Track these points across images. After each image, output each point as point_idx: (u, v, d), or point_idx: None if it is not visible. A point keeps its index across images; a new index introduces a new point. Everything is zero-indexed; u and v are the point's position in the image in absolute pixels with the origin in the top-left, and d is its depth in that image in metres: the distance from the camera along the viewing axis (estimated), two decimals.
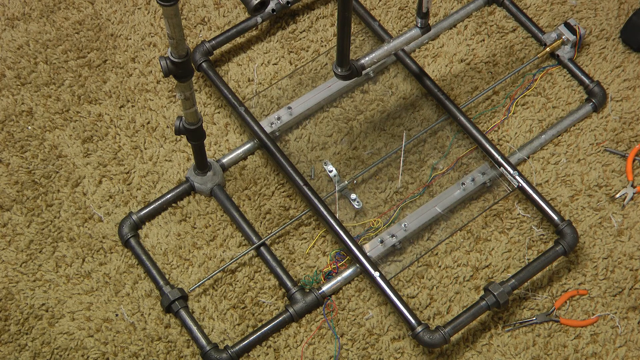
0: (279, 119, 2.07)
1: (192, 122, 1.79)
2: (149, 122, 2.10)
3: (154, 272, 1.91)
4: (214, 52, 2.15)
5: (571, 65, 2.15)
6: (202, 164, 1.96)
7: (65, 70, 2.16)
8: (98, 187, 2.03)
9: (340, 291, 1.92)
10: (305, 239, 1.98)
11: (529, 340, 1.87)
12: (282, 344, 1.87)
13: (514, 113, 2.12)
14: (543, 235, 1.97)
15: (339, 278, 1.92)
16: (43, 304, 1.91)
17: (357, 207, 1.98)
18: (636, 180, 2.05)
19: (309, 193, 1.95)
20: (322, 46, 2.20)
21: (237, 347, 1.84)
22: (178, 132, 1.82)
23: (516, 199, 2.02)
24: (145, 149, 2.07)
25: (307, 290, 1.90)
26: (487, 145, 2.01)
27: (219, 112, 2.12)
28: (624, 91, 2.14)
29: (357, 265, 1.91)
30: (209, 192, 2.01)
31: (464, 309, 1.86)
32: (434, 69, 2.18)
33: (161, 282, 1.90)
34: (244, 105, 2.06)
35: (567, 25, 2.15)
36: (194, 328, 1.86)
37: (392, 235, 1.94)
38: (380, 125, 2.10)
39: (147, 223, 1.99)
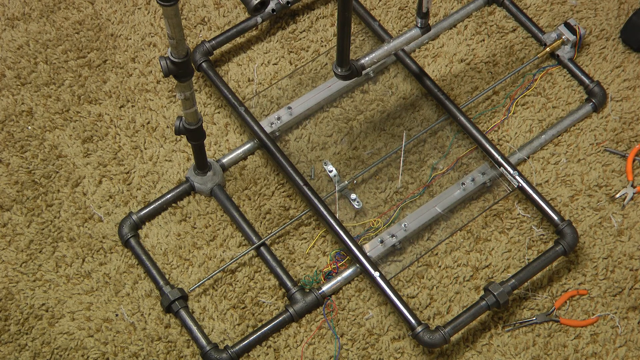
0: (279, 119, 2.07)
1: (192, 122, 1.79)
2: (149, 122, 2.10)
3: (154, 272, 1.91)
4: (214, 52, 2.15)
5: (571, 65, 2.15)
6: (202, 164, 1.96)
7: (65, 70, 2.16)
8: (98, 187, 2.03)
9: (340, 291, 1.92)
10: (305, 239, 1.98)
11: (529, 340, 1.87)
12: (282, 344, 1.87)
13: (514, 113, 2.12)
14: (543, 235, 1.97)
15: (339, 278, 1.92)
16: (43, 304, 1.91)
17: (357, 207, 1.98)
18: (636, 180, 2.05)
19: (309, 193, 1.95)
20: (322, 46, 2.20)
21: (237, 347, 1.84)
22: (178, 132, 1.82)
23: (516, 199, 2.01)
24: (145, 149, 2.07)
25: (307, 290, 1.90)
26: (487, 145, 2.01)
27: (219, 112, 2.12)
28: (624, 91, 2.14)
29: (357, 265, 1.91)
30: (209, 192, 2.01)
31: (464, 309, 1.86)
32: (434, 69, 2.17)
33: (161, 282, 1.90)
34: (244, 105, 2.06)
35: (567, 25, 2.15)
36: (194, 328, 1.86)
37: (392, 235, 1.94)
38: (380, 125, 2.10)
39: (147, 223, 1.99)
